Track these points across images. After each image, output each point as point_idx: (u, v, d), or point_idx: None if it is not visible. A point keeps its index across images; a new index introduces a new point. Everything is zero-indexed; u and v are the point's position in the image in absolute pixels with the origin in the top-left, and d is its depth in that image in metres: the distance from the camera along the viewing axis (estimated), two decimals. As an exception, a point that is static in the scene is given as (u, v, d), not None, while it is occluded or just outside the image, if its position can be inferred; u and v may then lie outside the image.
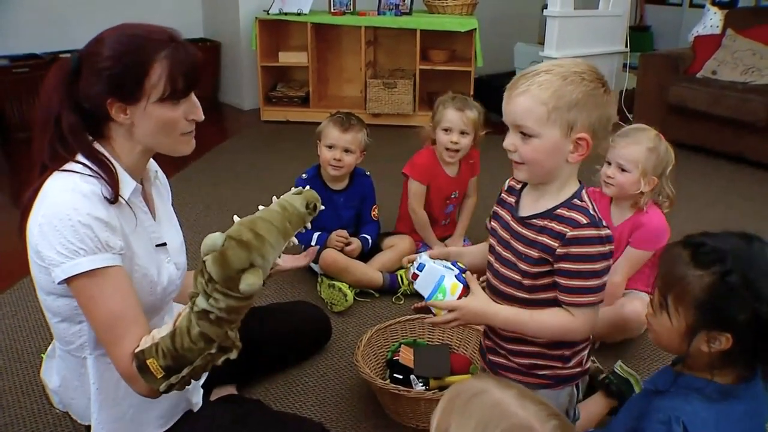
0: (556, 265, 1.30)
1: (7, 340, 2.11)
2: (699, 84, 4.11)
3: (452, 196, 2.63)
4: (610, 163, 2.05)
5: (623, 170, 2.01)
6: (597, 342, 2.07)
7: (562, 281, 1.30)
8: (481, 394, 0.88)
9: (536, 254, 1.31)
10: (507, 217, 1.41)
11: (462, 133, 2.45)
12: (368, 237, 2.53)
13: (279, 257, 1.20)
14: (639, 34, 6.10)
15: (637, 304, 2.05)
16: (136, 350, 1.19)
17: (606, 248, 1.28)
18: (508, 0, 5.79)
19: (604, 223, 1.30)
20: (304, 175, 2.52)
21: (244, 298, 1.14)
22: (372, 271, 2.42)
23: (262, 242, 1.14)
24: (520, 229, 1.36)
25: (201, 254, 1.13)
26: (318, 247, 2.28)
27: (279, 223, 1.20)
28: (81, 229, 1.18)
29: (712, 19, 4.56)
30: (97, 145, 1.29)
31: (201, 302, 1.14)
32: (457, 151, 2.48)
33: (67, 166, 1.25)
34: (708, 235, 1.19)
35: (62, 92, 1.26)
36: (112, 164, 1.28)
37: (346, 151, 2.41)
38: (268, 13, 4.58)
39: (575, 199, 1.30)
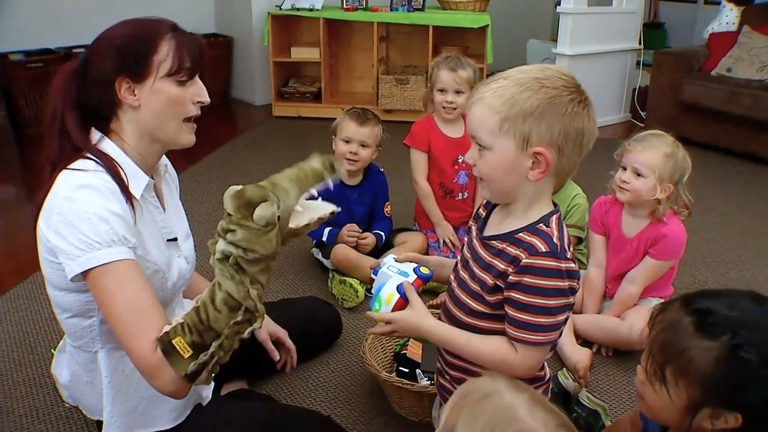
0: (506, 293, 1.18)
1: (20, 333, 2.13)
2: (713, 82, 4.07)
3: (459, 161, 2.59)
4: (625, 168, 2.01)
5: (639, 175, 1.97)
6: (611, 349, 2.04)
7: (510, 312, 1.17)
8: (493, 395, 0.87)
9: (491, 281, 1.20)
10: (474, 233, 1.30)
11: (457, 92, 2.47)
12: (381, 233, 2.52)
13: (297, 208, 1.24)
14: (653, 31, 6.05)
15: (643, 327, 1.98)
16: (159, 334, 1.17)
17: (565, 283, 1.14)
18: (521, -4, 5.79)
19: (569, 255, 1.16)
20: (317, 170, 2.52)
21: (259, 229, 1.15)
22: (383, 267, 2.42)
23: (274, 185, 1.20)
24: (479, 249, 1.25)
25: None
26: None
27: (293, 175, 1.24)
28: (97, 222, 1.18)
29: (728, 16, 4.51)
30: (107, 142, 1.30)
31: (220, 245, 1.17)
32: (454, 108, 2.49)
33: (75, 164, 1.25)
34: (712, 296, 1.04)
35: (67, 90, 1.29)
36: (117, 162, 1.28)
37: (363, 145, 2.42)
38: (281, 9, 4.59)
39: (541, 224, 1.18)
